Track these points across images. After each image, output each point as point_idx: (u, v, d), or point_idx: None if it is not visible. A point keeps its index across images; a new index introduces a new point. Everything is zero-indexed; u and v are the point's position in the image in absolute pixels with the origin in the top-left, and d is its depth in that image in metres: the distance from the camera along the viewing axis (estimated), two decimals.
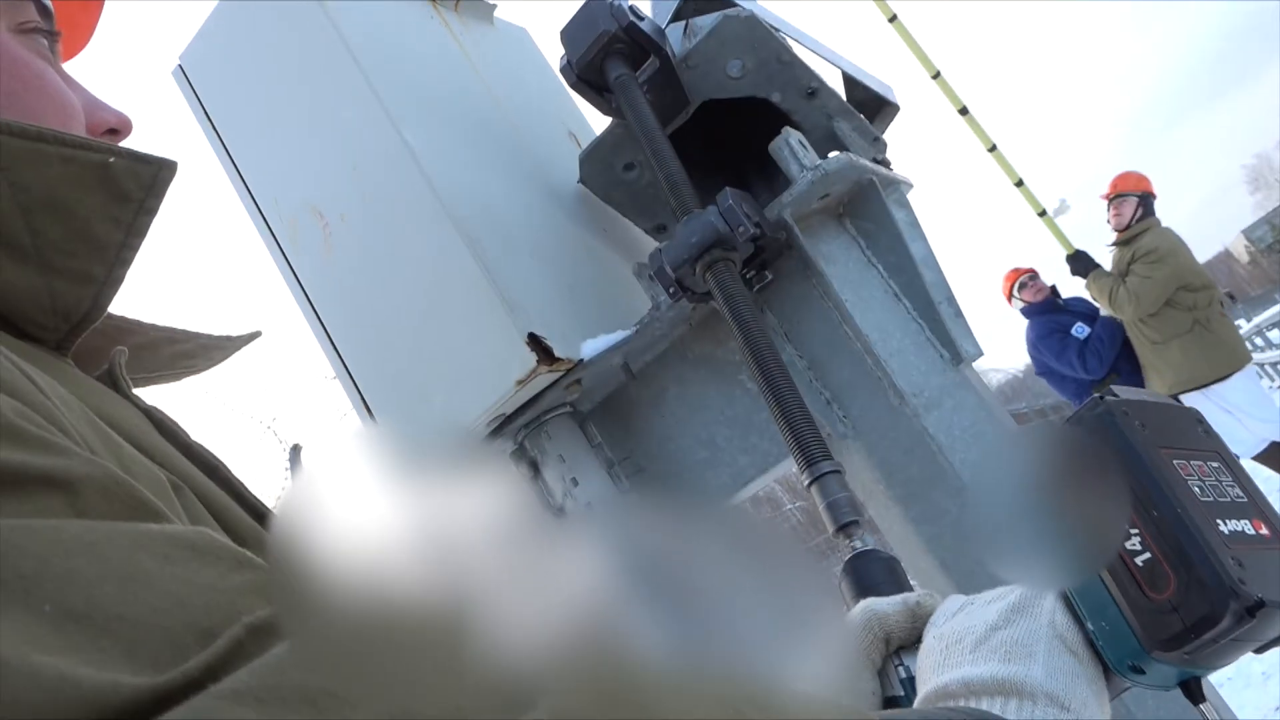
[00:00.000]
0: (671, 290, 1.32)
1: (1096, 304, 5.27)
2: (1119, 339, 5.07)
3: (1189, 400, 4.89)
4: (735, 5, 1.68)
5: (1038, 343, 5.32)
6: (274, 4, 1.62)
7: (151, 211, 0.61)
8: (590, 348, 1.52)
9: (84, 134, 0.67)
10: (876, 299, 1.48)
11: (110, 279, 0.59)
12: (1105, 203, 5.16)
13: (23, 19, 0.67)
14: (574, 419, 1.60)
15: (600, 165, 1.59)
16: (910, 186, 1.65)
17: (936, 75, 4.35)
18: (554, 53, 1.79)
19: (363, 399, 1.59)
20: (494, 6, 2.03)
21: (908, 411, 1.42)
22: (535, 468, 1.58)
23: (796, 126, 1.63)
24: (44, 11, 0.70)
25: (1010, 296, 5.52)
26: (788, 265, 1.48)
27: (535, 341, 1.45)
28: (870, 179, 1.48)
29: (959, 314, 1.54)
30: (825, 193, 1.44)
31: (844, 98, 1.75)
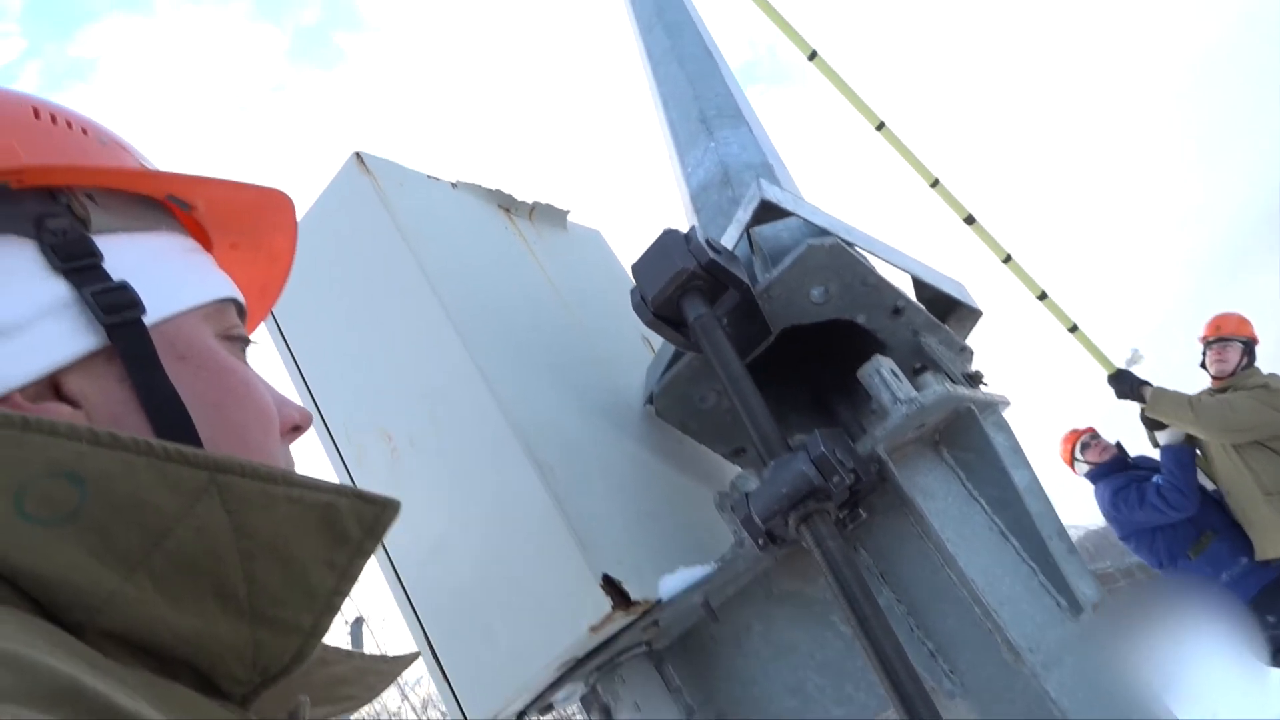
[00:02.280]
0: (760, 541, 1.22)
1: (1158, 429, 4.67)
2: (1191, 465, 4.41)
3: None
4: (792, 214, 1.64)
5: (1114, 500, 4.68)
6: (351, 223, 1.63)
7: (367, 554, 0.58)
8: (669, 586, 1.41)
9: (278, 438, 0.66)
10: (981, 538, 1.35)
11: (316, 628, 0.55)
12: (1202, 346, 4.57)
13: (229, 324, 0.67)
14: (650, 659, 1.48)
15: (677, 398, 1.53)
16: (1007, 404, 1.56)
17: (935, 184, 4.06)
18: (626, 248, 1.77)
19: (425, 634, 1.50)
20: (567, 212, 2.04)
21: (1024, 670, 1.27)
22: (608, 714, 1.45)
23: (881, 344, 1.56)
24: (242, 313, 0.71)
25: (1072, 460, 4.95)
26: (882, 500, 1.38)
27: (610, 584, 1.35)
28: (968, 406, 1.39)
29: (1072, 550, 1.40)
30: (921, 423, 1.35)
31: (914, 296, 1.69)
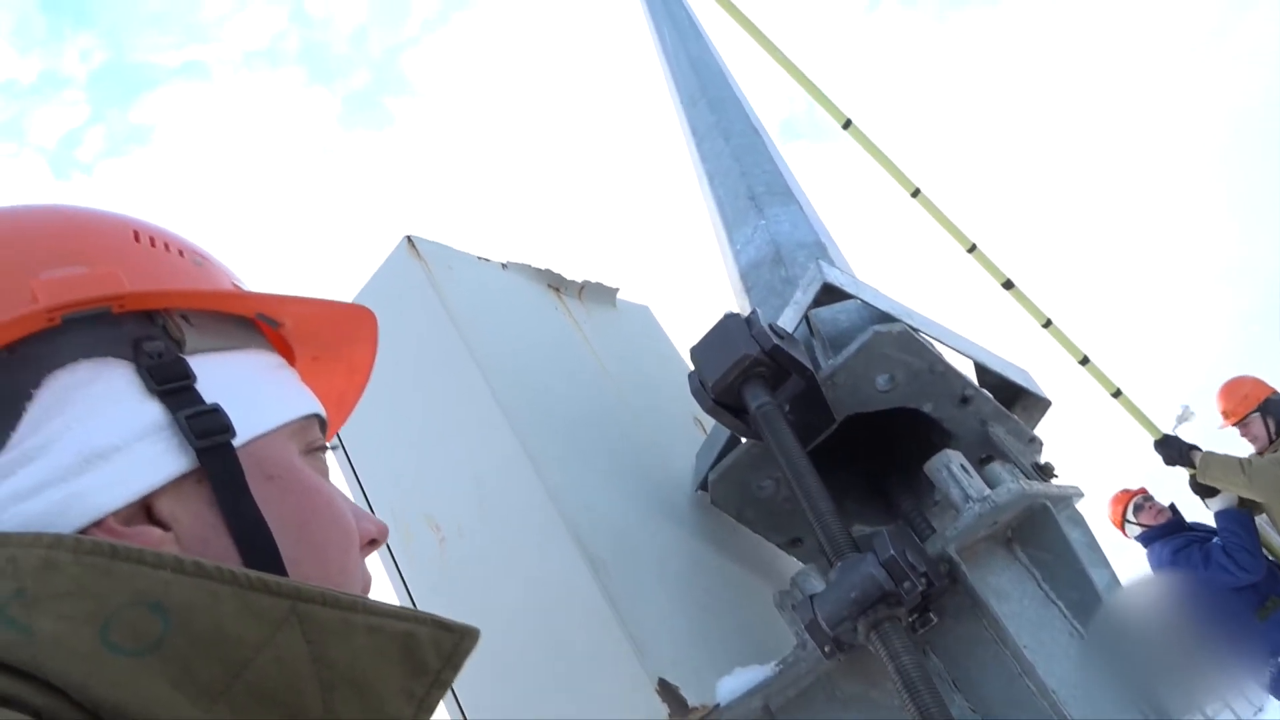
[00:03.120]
0: (827, 649, 1.16)
1: (1209, 495, 4.55)
2: (1253, 527, 4.29)
3: None
4: (850, 295, 1.60)
5: (1174, 559, 4.52)
6: (402, 308, 1.62)
7: (445, 685, 0.57)
8: (727, 689, 1.35)
9: (358, 554, 0.66)
10: (1061, 645, 1.27)
11: None
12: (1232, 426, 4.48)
13: (312, 439, 0.67)
14: None
15: (734, 485, 1.48)
16: (1081, 496, 1.48)
17: (972, 249, 4.00)
18: (675, 321, 1.74)
19: None
20: (616, 290, 2.02)
21: None
22: None
23: (946, 433, 1.50)
24: (323, 425, 0.71)
25: (1123, 523, 4.79)
26: (953, 601, 1.30)
27: (666, 689, 1.29)
28: (1043, 503, 1.32)
29: None
30: (994, 521, 1.28)
31: (977, 381, 1.63)
